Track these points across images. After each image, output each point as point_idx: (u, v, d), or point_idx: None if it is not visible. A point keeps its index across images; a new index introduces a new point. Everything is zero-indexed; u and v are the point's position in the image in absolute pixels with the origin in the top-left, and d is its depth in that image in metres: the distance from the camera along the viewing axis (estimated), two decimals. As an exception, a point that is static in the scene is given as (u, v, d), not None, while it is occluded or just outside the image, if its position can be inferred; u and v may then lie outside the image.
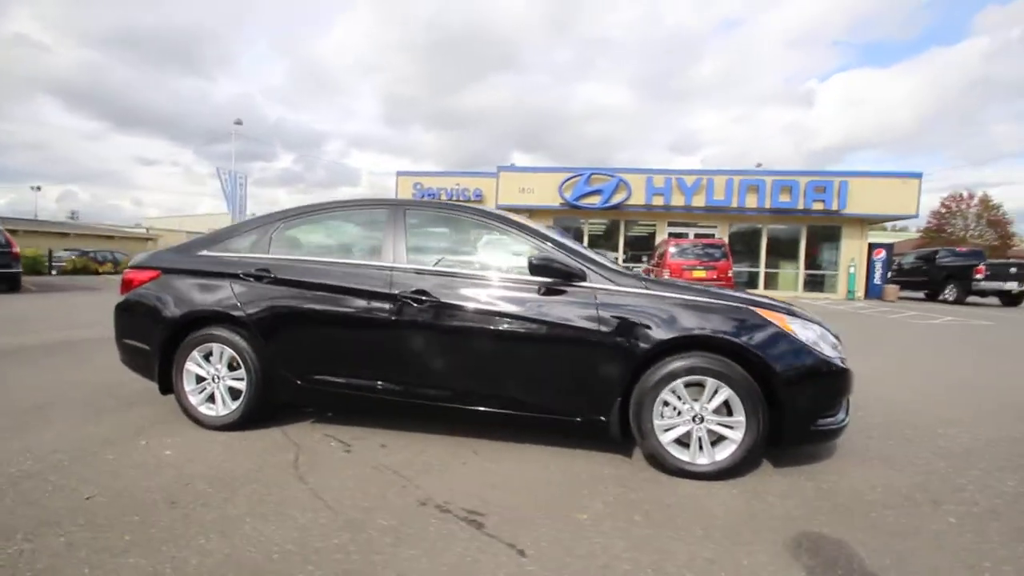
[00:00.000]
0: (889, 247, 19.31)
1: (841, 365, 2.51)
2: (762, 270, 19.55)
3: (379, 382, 2.84)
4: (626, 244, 20.40)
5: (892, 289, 18.34)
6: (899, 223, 41.04)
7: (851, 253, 18.74)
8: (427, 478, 2.49)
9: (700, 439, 2.50)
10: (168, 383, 3.13)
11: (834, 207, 17.49)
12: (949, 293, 17.18)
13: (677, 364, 2.48)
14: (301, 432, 3.04)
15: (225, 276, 3.05)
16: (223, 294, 3.02)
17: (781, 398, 2.41)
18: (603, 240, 20.90)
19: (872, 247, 18.87)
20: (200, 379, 3.07)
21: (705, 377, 2.47)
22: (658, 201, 18.65)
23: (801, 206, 17.67)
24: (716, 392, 2.47)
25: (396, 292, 2.79)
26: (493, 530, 2.02)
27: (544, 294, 2.67)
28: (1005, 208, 46.86)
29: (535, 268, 2.61)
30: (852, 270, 18.60)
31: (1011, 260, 18.06)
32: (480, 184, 21.57)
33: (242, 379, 2.99)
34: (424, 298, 2.75)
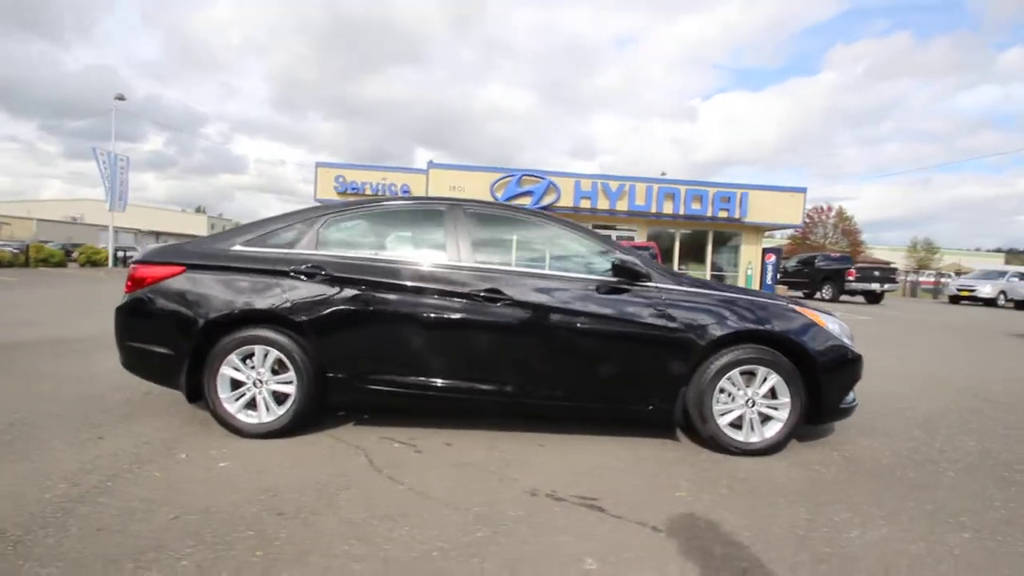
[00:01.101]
0: (778, 251, 21.92)
1: (857, 352, 2.97)
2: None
3: (445, 380, 2.83)
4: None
5: (781, 289, 20.87)
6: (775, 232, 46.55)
7: (749, 257, 21.03)
8: (515, 471, 2.55)
9: (752, 420, 2.83)
10: (196, 390, 2.86)
11: (736, 215, 19.53)
12: (825, 292, 19.92)
13: (734, 355, 2.78)
14: (351, 436, 2.93)
15: (272, 273, 2.85)
16: (271, 292, 2.82)
17: (820, 382, 2.81)
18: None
19: (764, 251, 21.32)
20: (236, 384, 2.84)
21: (757, 366, 2.80)
22: (585, 204, 19.55)
23: (710, 214, 19.50)
24: (765, 379, 2.81)
25: (468, 291, 2.80)
26: (616, 512, 2.16)
27: (606, 293, 2.85)
28: (856, 219, 55.03)
29: (618, 269, 2.78)
30: (750, 272, 20.89)
31: (875, 264, 21.37)
32: (408, 180, 21.11)
33: (289, 383, 2.82)
34: (497, 296, 2.80)
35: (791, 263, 23.61)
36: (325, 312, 2.80)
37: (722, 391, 2.81)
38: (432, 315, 2.80)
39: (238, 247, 2.95)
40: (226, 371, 2.82)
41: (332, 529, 1.95)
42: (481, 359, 2.82)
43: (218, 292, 2.83)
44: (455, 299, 2.80)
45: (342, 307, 2.81)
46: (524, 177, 19.53)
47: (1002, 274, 20.47)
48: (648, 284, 2.85)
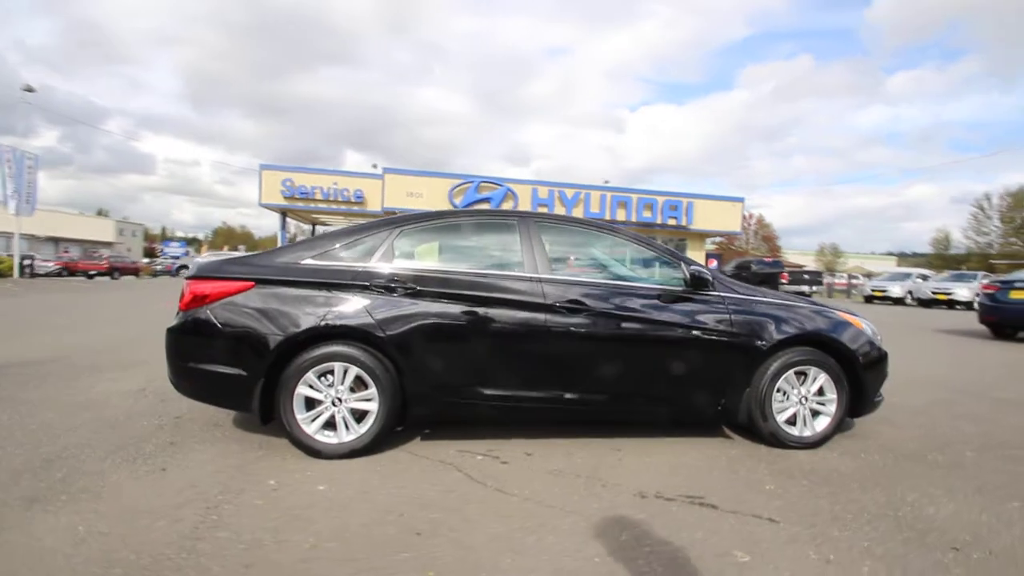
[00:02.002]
0: (719, 256, 23.42)
1: (885, 350, 3.33)
2: (626, 276, 22.15)
3: (528, 391, 2.89)
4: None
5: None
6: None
7: (693, 261, 22.28)
8: (609, 475, 2.66)
9: (805, 417, 3.11)
10: (268, 411, 2.74)
11: (684, 223, 20.67)
12: (762, 294, 21.50)
13: (788, 357, 3.05)
14: (428, 451, 2.91)
15: (350, 288, 2.79)
16: (351, 307, 2.75)
17: (861, 379, 3.13)
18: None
19: (707, 257, 22.71)
20: (311, 403, 2.74)
21: (809, 367, 3.08)
22: (542, 211, 19.92)
23: (659, 221, 20.51)
24: (815, 378, 3.09)
25: (550, 302, 2.88)
26: (728, 507, 2.32)
27: (674, 301, 3.03)
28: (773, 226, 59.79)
29: (694, 279, 2.96)
30: (694, 276, 22.11)
31: (802, 269, 23.33)
32: (362, 185, 20.58)
33: (369, 399, 2.76)
34: (579, 307, 2.89)
35: (729, 267, 25.29)
36: (407, 326, 2.77)
37: (779, 391, 3.06)
38: (518, 327, 2.85)
39: (309, 261, 2.85)
40: (302, 390, 2.72)
41: (484, 544, 1.97)
42: (564, 368, 2.90)
43: (294, 308, 2.72)
44: (540, 311, 2.87)
45: (424, 321, 2.80)
46: (482, 184, 19.61)
47: (908, 276, 23.01)
48: (712, 292, 3.06)
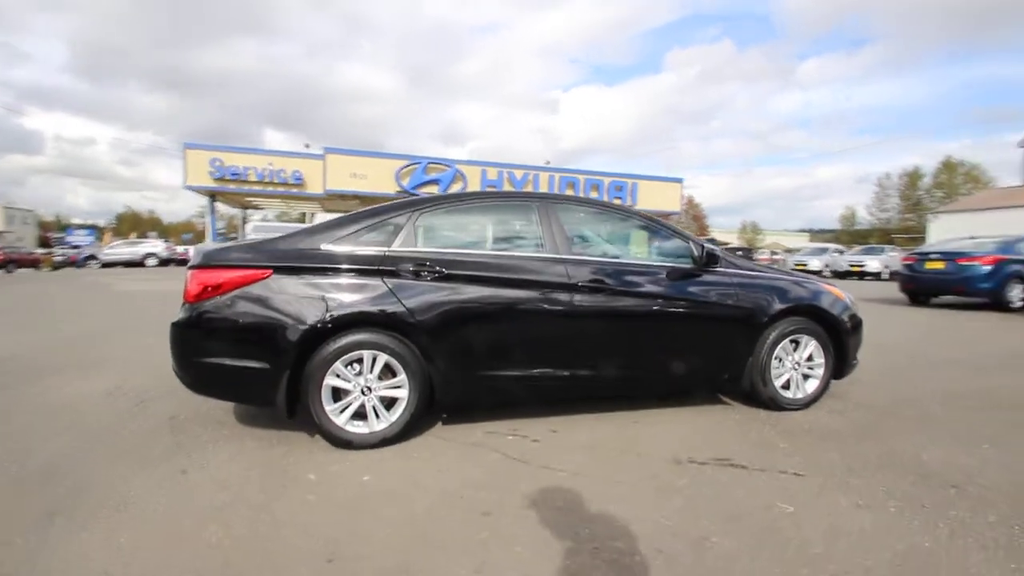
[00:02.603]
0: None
1: (861, 317, 3.67)
2: (574, 256, 22.64)
3: (553, 368, 2.95)
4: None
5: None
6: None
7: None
8: (637, 445, 2.79)
9: (797, 381, 3.39)
10: (293, 404, 2.63)
11: (628, 203, 21.31)
12: (700, 270, 22.74)
13: (785, 327, 3.30)
14: (455, 435, 2.92)
15: (375, 273, 2.71)
16: (377, 293, 2.68)
17: (844, 344, 3.45)
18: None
19: (649, 236, 23.60)
20: (337, 393, 2.67)
21: (801, 335, 3.35)
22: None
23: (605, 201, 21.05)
24: (807, 345, 3.38)
25: (573, 281, 2.94)
26: (756, 467, 2.52)
27: (683, 278, 3.18)
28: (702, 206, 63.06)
29: (708, 257, 3.11)
30: (638, 254, 23.00)
31: (738, 247, 24.79)
32: (300, 166, 19.52)
33: (399, 386, 2.72)
34: (600, 286, 2.98)
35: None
36: (436, 311, 2.74)
37: (776, 358, 3.32)
38: (541, 306, 2.89)
39: (329, 246, 2.73)
40: (330, 381, 2.63)
41: (581, 521, 2.03)
42: (586, 345, 2.99)
43: (319, 296, 2.61)
44: (562, 291, 2.92)
45: (452, 305, 2.77)
46: (430, 165, 19.21)
47: (825, 250, 25.10)
48: (718, 269, 3.24)
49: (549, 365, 2.94)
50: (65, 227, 59.87)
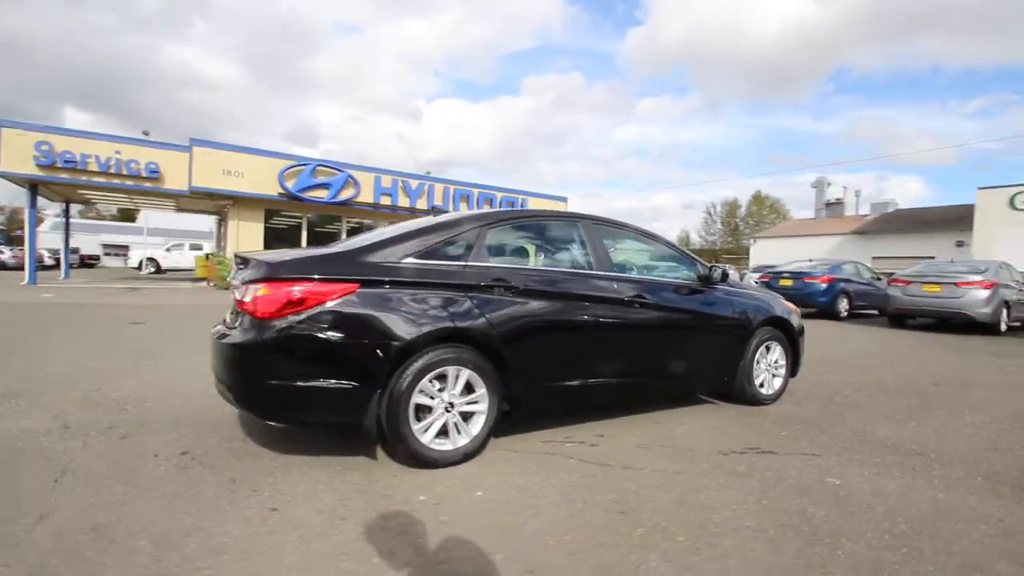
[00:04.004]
0: (544, 250, 25.81)
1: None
2: (464, 267, 22.85)
3: (603, 377, 3.20)
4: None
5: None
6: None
7: (523, 254, 24.16)
8: (681, 442, 3.16)
9: (769, 380, 4.08)
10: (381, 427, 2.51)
11: (518, 218, 22.27)
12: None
13: (764, 335, 3.98)
14: (516, 446, 3.00)
15: (458, 287, 2.70)
16: (462, 307, 2.67)
17: (799, 347, 4.24)
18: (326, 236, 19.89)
19: (534, 250, 24.83)
20: (420, 411, 2.61)
21: (773, 342, 4.06)
22: (386, 201, 19.25)
23: (497, 215, 21.72)
24: (775, 350, 4.09)
25: (620, 297, 3.23)
26: (782, 452, 3.04)
27: (692, 293, 3.68)
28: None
29: (723, 275, 3.61)
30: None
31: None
32: (157, 156, 16.84)
33: (477, 401, 2.75)
34: (641, 301, 3.31)
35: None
36: (512, 325, 2.82)
37: (757, 362, 3.97)
38: (598, 319, 3.13)
39: (412, 260, 2.66)
40: (416, 398, 2.56)
41: (684, 508, 2.27)
42: (631, 354, 3.29)
43: (408, 310, 2.54)
44: (615, 305, 3.19)
45: (526, 318, 2.88)
46: (319, 168, 17.99)
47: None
48: (719, 286, 3.79)
49: (603, 374, 3.18)
50: None
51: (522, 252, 3.25)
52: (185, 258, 28.66)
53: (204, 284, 18.43)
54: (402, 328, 2.50)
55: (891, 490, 2.53)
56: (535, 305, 2.91)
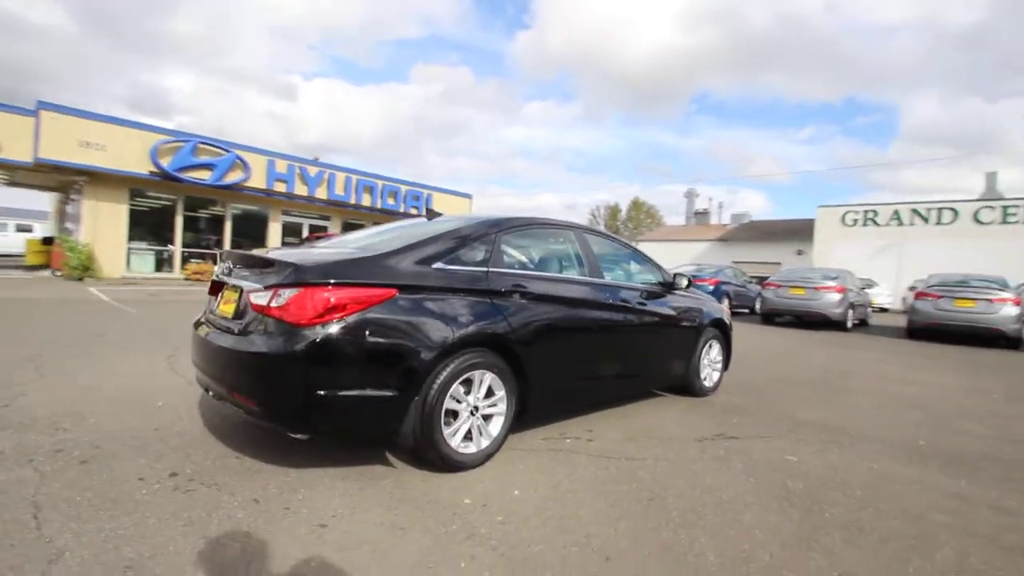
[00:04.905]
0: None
1: (730, 326, 5.20)
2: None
3: (599, 377, 3.45)
4: (233, 229, 18.12)
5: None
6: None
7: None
8: (659, 432, 3.52)
9: (711, 374, 4.65)
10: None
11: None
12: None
13: (709, 335, 4.52)
14: (520, 444, 3.12)
15: (483, 292, 2.74)
16: (487, 312, 2.73)
17: (731, 344, 4.88)
18: (205, 224, 17.79)
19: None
20: (449, 415, 2.63)
21: (714, 340, 4.63)
22: (280, 187, 17.76)
23: (402, 209, 21.15)
24: (715, 347, 4.67)
25: (612, 301, 3.49)
26: (743, 436, 3.53)
27: (658, 297, 4.09)
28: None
29: (688, 283, 4.02)
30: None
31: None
32: (-13, 120, 13.82)
33: (496, 404, 2.83)
34: (626, 306, 3.61)
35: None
36: (530, 329, 2.94)
37: (702, 358, 4.51)
38: (600, 323, 3.38)
39: (440, 264, 2.65)
40: (447, 404, 2.58)
41: (701, 486, 2.58)
42: (620, 355, 3.59)
43: (442, 315, 2.54)
44: (606, 309, 3.45)
45: (542, 323, 3.02)
46: (201, 145, 16.06)
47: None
48: (679, 291, 4.24)
49: (599, 374, 3.43)
50: None
51: (530, 258, 3.37)
52: (9, 241, 23.86)
53: (48, 273, 15.55)
54: (438, 333, 2.49)
55: (837, 463, 3.10)
56: (546, 309, 3.06)
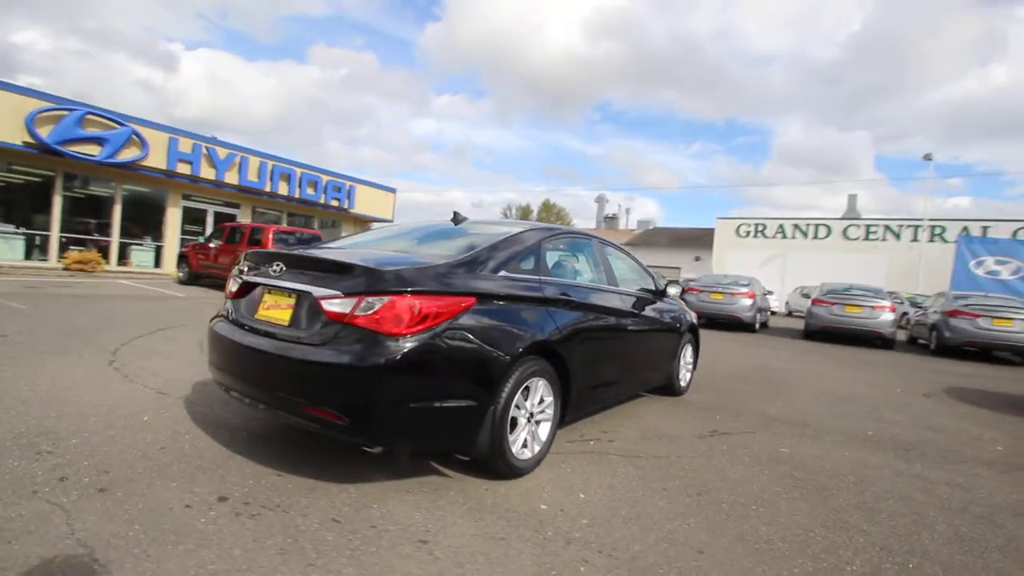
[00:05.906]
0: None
1: (693, 330, 5.67)
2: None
3: (616, 380, 3.65)
4: (124, 214, 15.97)
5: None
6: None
7: (346, 244, 22.74)
8: (664, 431, 3.80)
9: (684, 376, 5.07)
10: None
11: (346, 206, 20.90)
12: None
13: (686, 339, 4.92)
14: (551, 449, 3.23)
15: (539, 301, 2.80)
16: (545, 321, 2.79)
17: (698, 347, 5.34)
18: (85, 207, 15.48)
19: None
20: (511, 423, 2.67)
21: (689, 344, 5.05)
22: (184, 169, 15.97)
23: (323, 201, 20.01)
24: (688, 350, 5.10)
25: (630, 309, 3.71)
26: (735, 432, 3.92)
27: (658, 305, 4.39)
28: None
29: (682, 291, 4.33)
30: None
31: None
32: None
33: (545, 411, 2.91)
34: (637, 313, 3.84)
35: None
36: (575, 335, 3.05)
37: (679, 360, 4.90)
38: (624, 328, 3.62)
39: (505, 273, 2.67)
40: (512, 412, 2.61)
41: (730, 478, 2.85)
42: (634, 357, 3.85)
43: (510, 325, 2.58)
44: (625, 315, 3.66)
45: (583, 328, 3.14)
46: (89, 116, 13.98)
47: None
48: (667, 298, 4.57)
49: (619, 377, 3.64)
50: None
51: (564, 266, 3.46)
52: None
53: None
54: (510, 342, 2.52)
55: (818, 453, 3.57)
56: (585, 316, 3.18)
